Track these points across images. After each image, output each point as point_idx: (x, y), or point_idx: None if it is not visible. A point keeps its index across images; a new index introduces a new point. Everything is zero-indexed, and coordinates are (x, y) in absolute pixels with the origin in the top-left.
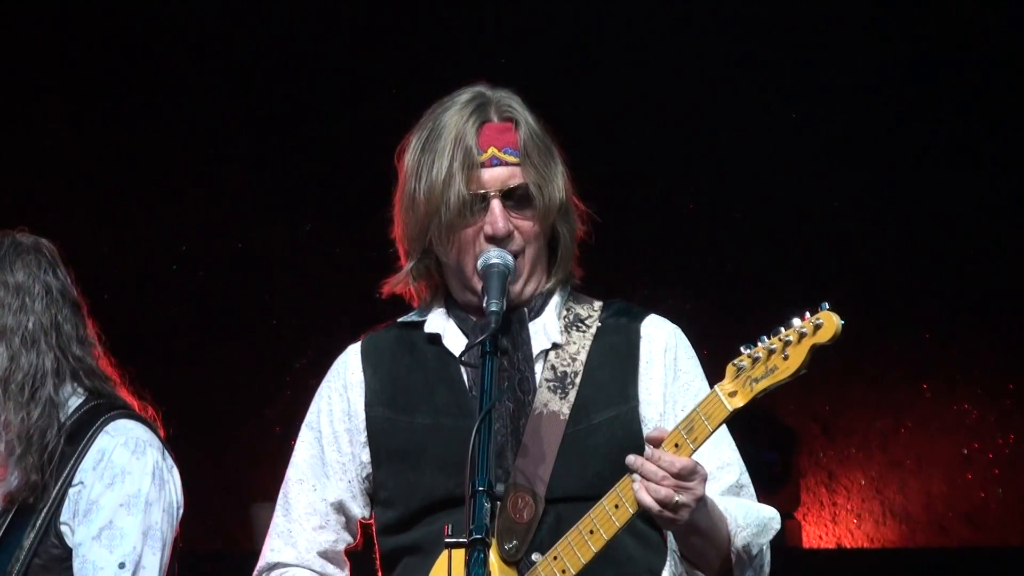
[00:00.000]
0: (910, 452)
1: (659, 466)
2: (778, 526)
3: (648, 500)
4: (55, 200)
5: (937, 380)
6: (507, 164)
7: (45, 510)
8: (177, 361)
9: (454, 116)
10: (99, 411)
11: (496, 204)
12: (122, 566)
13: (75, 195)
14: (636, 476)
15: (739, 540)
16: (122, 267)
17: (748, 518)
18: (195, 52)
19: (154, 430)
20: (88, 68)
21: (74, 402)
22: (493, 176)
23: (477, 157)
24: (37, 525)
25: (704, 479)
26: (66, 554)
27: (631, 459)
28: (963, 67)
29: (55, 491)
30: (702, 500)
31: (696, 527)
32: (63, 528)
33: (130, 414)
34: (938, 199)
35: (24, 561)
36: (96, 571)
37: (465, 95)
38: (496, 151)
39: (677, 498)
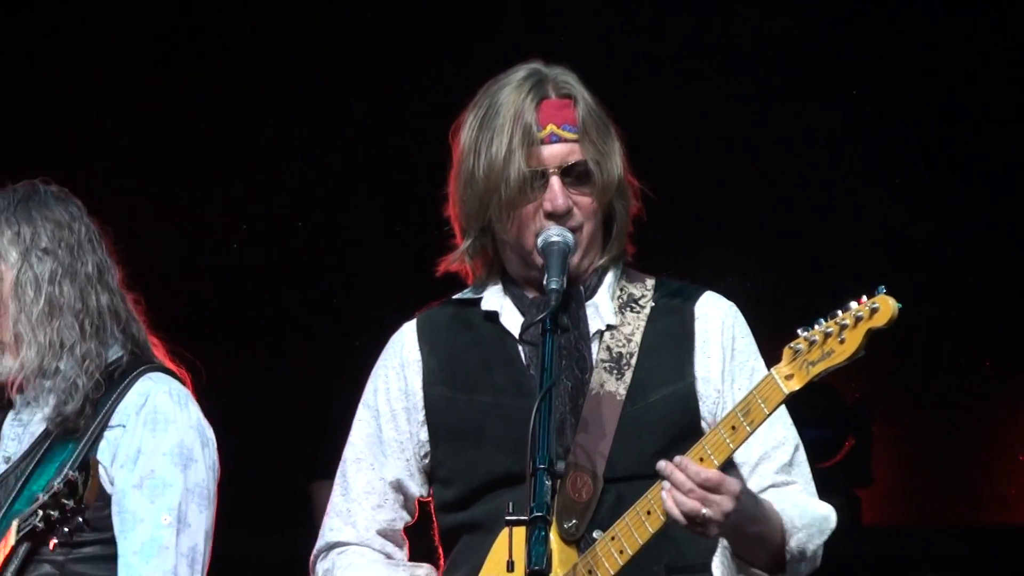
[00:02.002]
0: (972, 428)
1: (686, 474)
2: (834, 525)
3: (675, 511)
4: (119, 178)
5: (999, 355)
6: (566, 141)
7: (79, 449)
8: (236, 339)
9: (511, 93)
10: (139, 361)
11: (555, 181)
12: (166, 520)
13: (138, 174)
14: (665, 484)
15: (794, 542)
16: (182, 245)
17: (804, 519)
18: (256, 30)
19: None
20: (149, 43)
21: (115, 350)
22: (552, 153)
23: (536, 134)
24: (69, 464)
25: (734, 496)
26: (100, 494)
27: (661, 465)
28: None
29: (91, 431)
30: (742, 512)
31: (745, 534)
32: (101, 471)
33: (167, 370)
34: (997, 174)
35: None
36: (136, 523)
37: (521, 72)
38: (555, 128)
39: (703, 511)
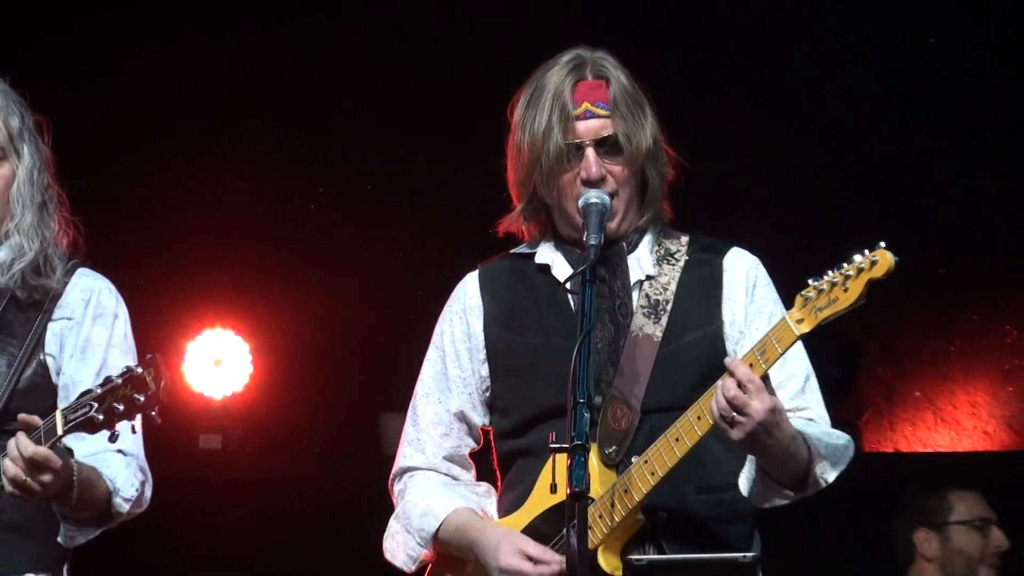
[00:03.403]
0: (958, 368)
1: (739, 373)
2: (852, 454)
3: (722, 402)
4: (202, 148)
5: (982, 304)
6: (599, 116)
7: (27, 343)
8: (315, 290)
9: (554, 75)
10: (69, 257)
11: (590, 152)
12: None
13: (222, 146)
14: (719, 384)
15: (818, 468)
16: (265, 206)
17: (828, 448)
18: (330, 7)
19: None
20: (227, 20)
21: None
22: (587, 127)
23: (572, 111)
24: (19, 357)
25: (768, 410)
26: (47, 382)
27: (729, 359)
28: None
29: (35, 326)
30: (776, 429)
31: (777, 449)
32: (48, 360)
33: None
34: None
35: (7, 389)
36: None
37: (566, 56)
38: (589, 105)
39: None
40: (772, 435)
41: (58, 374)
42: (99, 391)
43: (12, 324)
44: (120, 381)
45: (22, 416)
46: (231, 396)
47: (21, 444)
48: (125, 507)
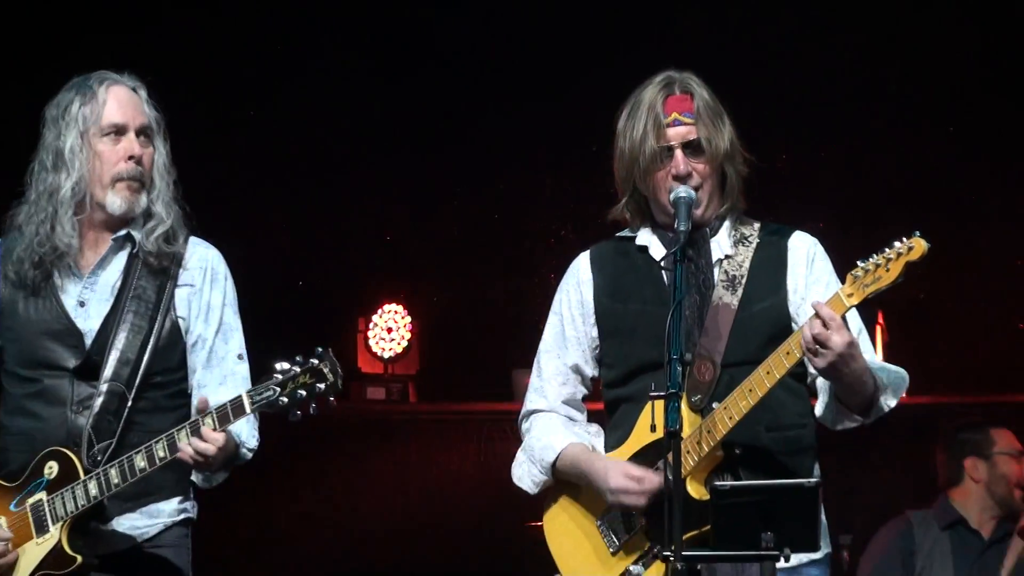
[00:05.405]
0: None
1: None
2: (907, 384)
3: (808, 336)
4: (356, 163)
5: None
6: (685, 124)
7: (161, 306)
8: (461, 274)
9: (649, 92)
10: (184, 226)
11: (678, 153)
12: (240, 357)
13: (381, 158)
14: (806, 323)
15: (881, 396)
16: (414, 206)
17: (890, 379)
18: (454, 36)
19: None
20: (363, 40)
21: None
22: (676, 133)
23: (664, 120)
24: (157, 319)
25: (846, 343)
26: (179, 340)
27: (815, 301)
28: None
29: (166, 291)
30: (852, 360)
31: (851, 377)
32: (180, 321)
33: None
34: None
35: (150, 347)
36: (220, 361)
37: (658, 77)
38: (678, 115)
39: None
40: (848, 365)
41: (187, 333)
42: (280, 377)
43: (147, 289)
44: (299, 370)
45: (199, 402)
46: (394, 356)
47: (213, 439)
48: (249, 455)
